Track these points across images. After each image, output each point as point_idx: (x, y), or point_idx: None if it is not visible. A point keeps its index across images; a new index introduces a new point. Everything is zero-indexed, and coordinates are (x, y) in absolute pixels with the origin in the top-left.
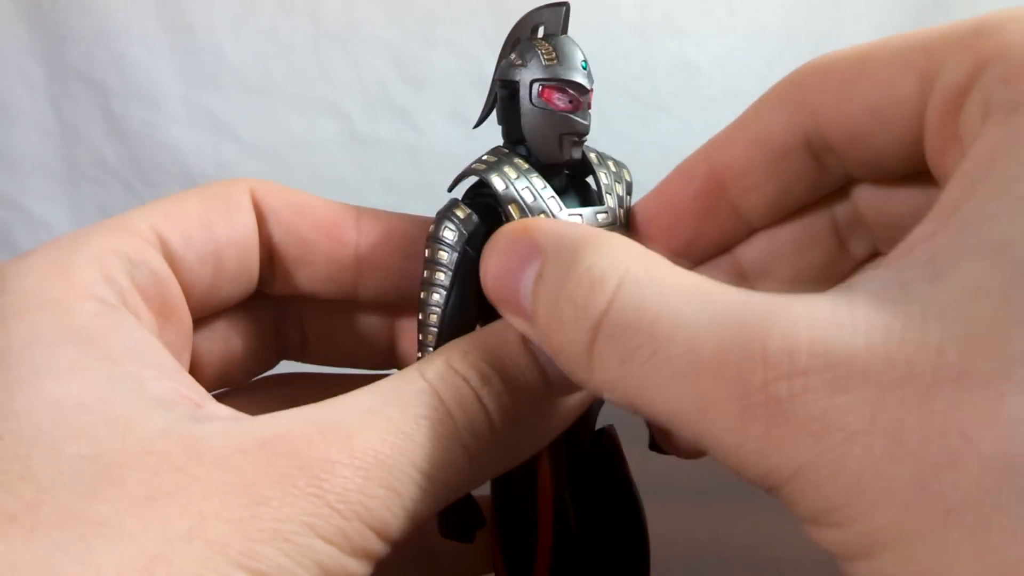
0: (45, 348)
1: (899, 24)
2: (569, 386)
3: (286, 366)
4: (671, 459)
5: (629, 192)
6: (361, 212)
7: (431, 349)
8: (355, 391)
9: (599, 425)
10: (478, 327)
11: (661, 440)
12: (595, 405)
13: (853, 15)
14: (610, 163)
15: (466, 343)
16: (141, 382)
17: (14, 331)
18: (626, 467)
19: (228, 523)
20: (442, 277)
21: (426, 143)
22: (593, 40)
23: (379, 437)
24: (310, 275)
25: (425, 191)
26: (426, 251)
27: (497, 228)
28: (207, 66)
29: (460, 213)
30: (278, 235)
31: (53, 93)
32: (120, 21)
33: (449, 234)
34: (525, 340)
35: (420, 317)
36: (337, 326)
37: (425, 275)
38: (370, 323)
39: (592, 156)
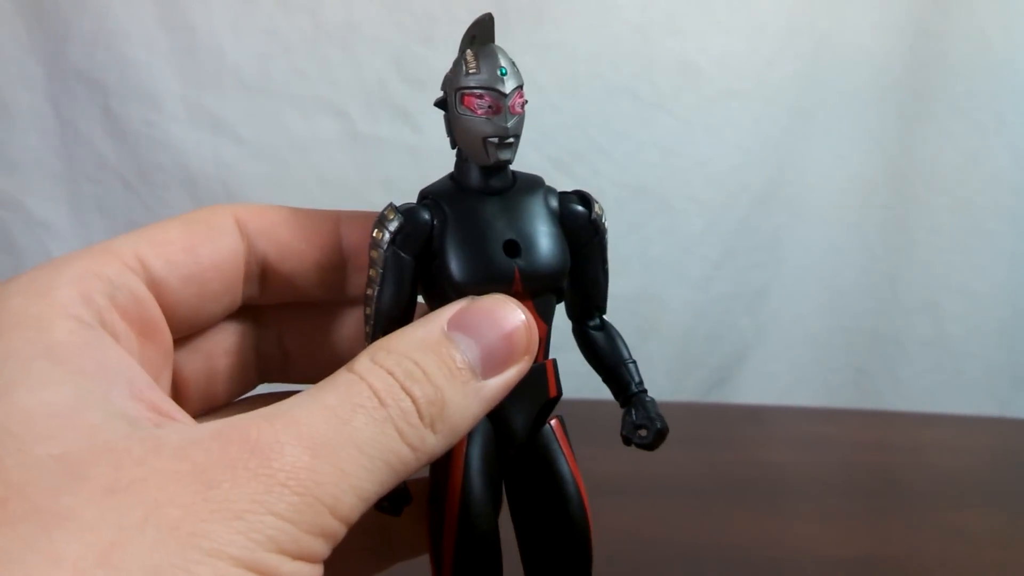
0: (21, 362)
1: (900, 24)
2: (490, 369)
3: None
4: (671, 459)
5: None
6: (341, 216)
7: (370, 339)
8: (296, 394)
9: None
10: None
11: (630, 432)
12: (541, 400)
13: (853, 15)
14: None
15: (387, 341)
16: (108, 396)
17: None
18: (568, 459)
19: (180, 508)
20: (373, 274)
21: (426, 143)
22: (593, 40)
23: (322, 421)
24: (304, 283)
25: None
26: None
27: (420, 228)
28: (207, 66)
29: (389, 215)
30: (272, 253)
31: (53, 93)
32: (120, 21)
33: (379, 234)
34: (447, 331)
35: (365, 311)
36: (316, 340)
37: (368, 273)
38: (348, 335)
39: None
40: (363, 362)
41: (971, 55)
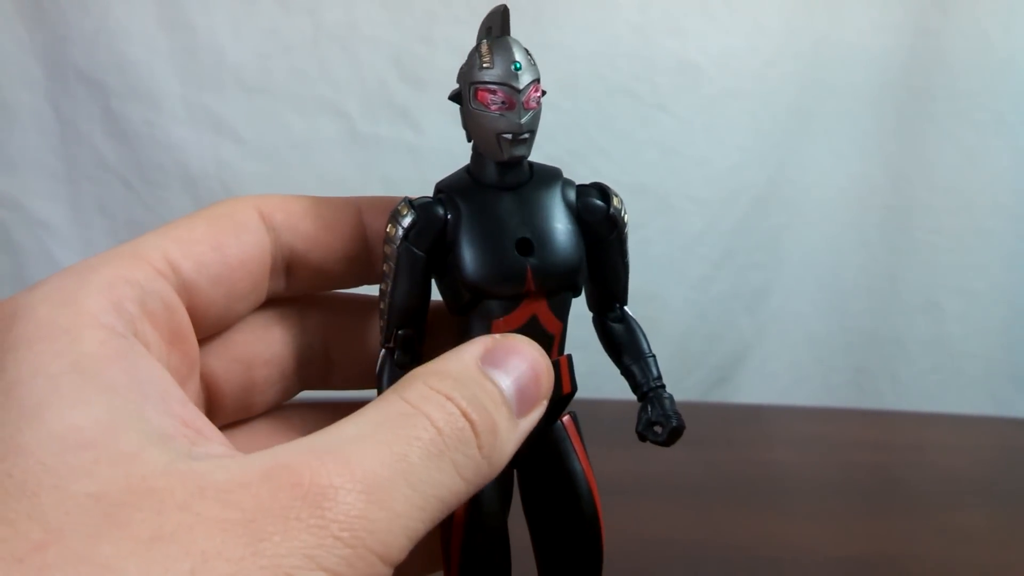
0: (50, 379)
1: (900, 24)
2: (523, 406)
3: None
4: (671, 459)
5: None
6: (361, 202)
7: (384, 333)
8: (345, 419)
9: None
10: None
11: (645, 429)
12: (555, 396)
13: (853, 15)
14: None
15: (438, 365)
16: (142, 415)
17: (22, 361)
18: (580, 456)
19: (229, 562)
20: (387, 269)
21: (426, 143)
22: (593, 40)
23: (376, 460)
24: (329, 273)
25: (425, 191)
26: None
27: (433, 223)
28: (207, 66)
29: (403, 210)
30: (298, 245)
31: (53, 93)
32: (120, 21)
33: (392, 230)
34: (481, 363)
35: (380, 305)
36: (363, 347)
37: (382, 268)
38: None
39: None
40: (417, 388)
41: (971, 55)
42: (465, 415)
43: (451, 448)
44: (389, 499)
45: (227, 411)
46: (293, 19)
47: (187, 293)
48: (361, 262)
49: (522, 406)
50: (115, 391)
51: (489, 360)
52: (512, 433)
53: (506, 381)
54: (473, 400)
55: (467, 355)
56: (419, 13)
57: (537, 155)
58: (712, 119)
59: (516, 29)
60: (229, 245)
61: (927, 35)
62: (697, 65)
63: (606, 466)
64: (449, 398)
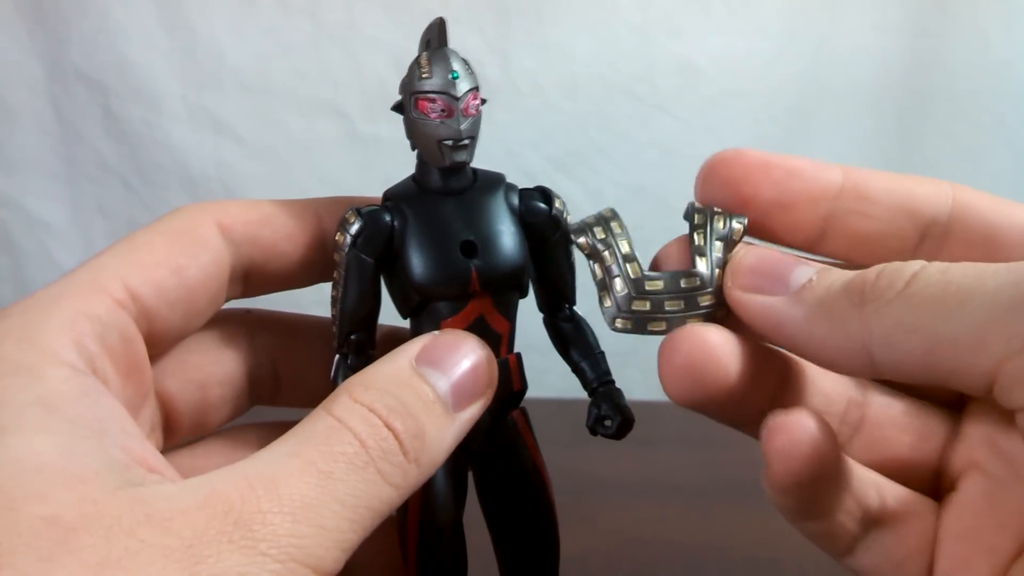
0: (14, 410)
1: (900, 24)
2: (459, 402)
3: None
4: (671, 459)
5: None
6: (319, 207)
7: (337, 339)
8: (279, 439)
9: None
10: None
11: (595, 423)
12: (505, 394)
13: (853, 15)
14: (718, 222)
15: (364, 377)
16: (100, 446)
17: None
18: (531, 450)
19: None
20: (337, 276)
21: None
22: (593, 40)
23: (302, 480)
24: (285, 279)
25: None
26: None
27: (380, 231)
28: (207, 66)
29: (350, 218)
30: (256, 256)
31: (53, 93)
32: (120, 21)
33: (341, 238)
34: (416, 366)
35: (332, 312)
36: (309, 366)
37: (333, 275)
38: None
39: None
40: (343, 402)
41: (971, 55)
42: (388, 425)
43: (376, 459)
44: (317, 516)
45: (183, 430)
46: (293, 20)
47: (146, 319)
48: (318, 266)
49: (459, 400)
50: (76, 424)
51: (424, 358)
52: (446, 430)
53: (440, 378)
54: (396, 408)
55: (401, 357)
56: (419, 13)
57: (538, 156)
58: (712, 119)
59: (516, 29)
60: (188, 267)
61: (927, 36)
62: (697, 65)
63: (604, 466)
64: (372, 410)
